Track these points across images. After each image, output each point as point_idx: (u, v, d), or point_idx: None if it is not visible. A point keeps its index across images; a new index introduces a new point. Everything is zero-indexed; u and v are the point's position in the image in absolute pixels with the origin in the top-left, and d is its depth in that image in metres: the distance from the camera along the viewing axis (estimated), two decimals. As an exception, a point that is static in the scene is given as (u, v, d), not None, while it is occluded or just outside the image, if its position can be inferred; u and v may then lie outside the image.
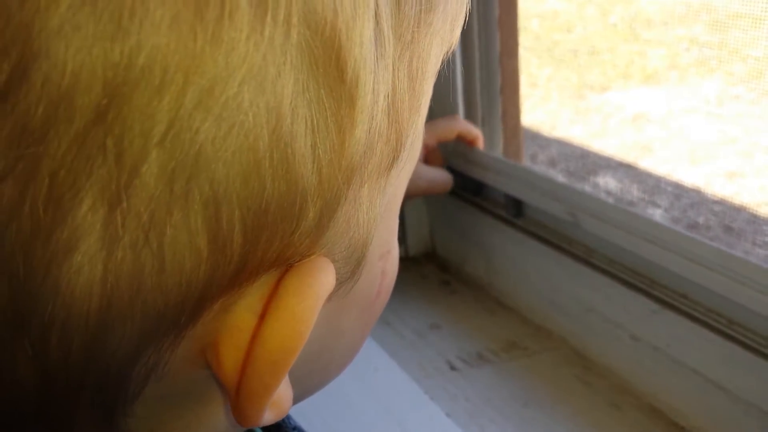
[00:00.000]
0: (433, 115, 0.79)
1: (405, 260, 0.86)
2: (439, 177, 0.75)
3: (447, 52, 0.23)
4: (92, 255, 0.16)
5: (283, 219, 0.18)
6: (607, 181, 0.97)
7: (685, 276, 0.57)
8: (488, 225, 0.76)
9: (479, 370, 0.65)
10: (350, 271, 0.22)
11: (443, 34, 0.21)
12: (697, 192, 0.91)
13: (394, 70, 0.19)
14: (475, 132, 0.75)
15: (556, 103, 1.27)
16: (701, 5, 0.99)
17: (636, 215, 0.60)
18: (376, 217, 0.21)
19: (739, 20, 0.74)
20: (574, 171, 1.01)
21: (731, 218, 0.85)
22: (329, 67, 0.17)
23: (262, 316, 0.19)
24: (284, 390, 0.21)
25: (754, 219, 0.82)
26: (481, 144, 0.76)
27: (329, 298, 0.21)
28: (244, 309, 0.19)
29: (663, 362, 0.60)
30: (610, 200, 0.64)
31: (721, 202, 0.88)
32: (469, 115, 0.78)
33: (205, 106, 0.15)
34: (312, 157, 0.17)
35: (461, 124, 0.75)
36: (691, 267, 0.56)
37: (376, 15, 0.18)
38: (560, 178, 0.88)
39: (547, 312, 0.71)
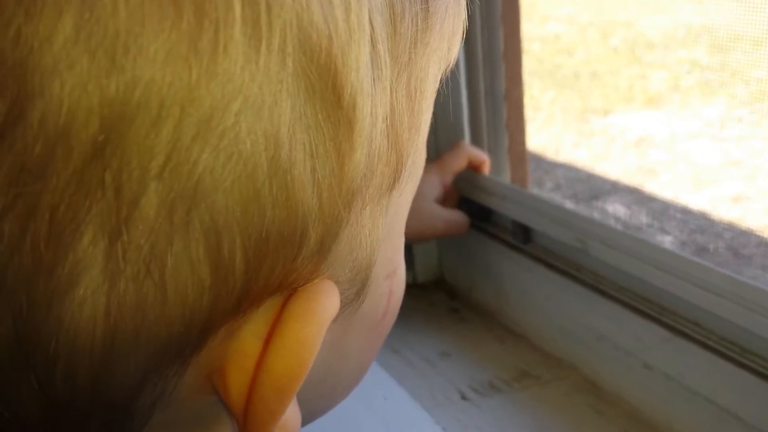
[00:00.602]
0: (439, 143, 0.79)
1: (413, 287, 0.86)
2: (456, 218, 0.76)
3: (445, 71, 0.23)
4: (95, 288, 0.16)
5: (284, 245, 0.18)
6: (613, 205, 0.97)
7: (696, 304, 0.56)
8: (496, 251, 0.76)
9: (491, 400, 0.65)
10: (355, 292, 0.22)
11: (441, 53, 0.21)
12: (703, 216, 0.90)
13: (391, 91, 0.19)
14: (482, 156, 0.75)
15: (560, 126, 1.27)
16: (702, 28, 0.99)
17: (645, 242, 0.60)
18: (380, 238, 0.21)
19: (740, 42, 0.75)
20: (578, 195, 1.01)
21: (739, 242, 0.84)
22: (326, 92, 0.17)
23: (267, 342, 0.19)
24: (292, 413, 0.21)
25: (761, 242, 0.82)
26: (487, 168, 0.76)
27: (334, 320, 0.21)
28: (250, 334, 0.19)
29: (676, 391, 0.59)
30: (617, 225, 0.64)
31: (728, 226, 0.88)
32: (476, 143, 0.78)
33: (202, 137, 0.15)
34: (312, 182, 0.17)
35: (468, 150, 0.75)
36: (702, 294, 0.56)
37: (372, 38, 0.18)
38: (565, 201, 0.87)
39: (557, 340, 0.71)
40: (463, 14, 0.23)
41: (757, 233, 0.88)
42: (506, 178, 0.75)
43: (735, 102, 1.07)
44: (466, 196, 0.78)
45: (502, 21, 0.73)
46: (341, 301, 0.21)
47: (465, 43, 0.74)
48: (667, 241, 0.82)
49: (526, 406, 0.64)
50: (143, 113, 0.15)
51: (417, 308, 0.82)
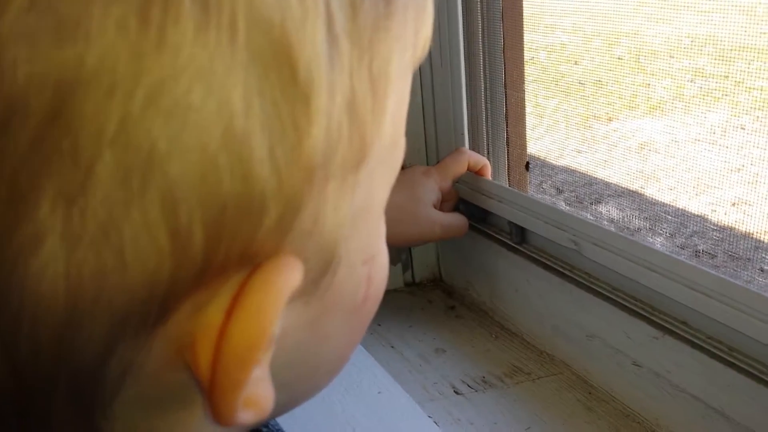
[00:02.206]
0: (440, 146, 0.81)
1: (411, 285, 0.88)
2: (454, 222, 0.76)
3: (417, 57, 0.24)
4: (54, 253, 0.16)
5: (243, 217, 0.18)
6: (613, 209, 0.98)
7: (685, 303, 0.58)
8: (493, 251, 0.77)
9: (483, 395, 0.66)
10: (321, 269, 0.22)
11: (405, 41, 0.22)
12: (702, 219, 0.91)
13: (352, 72, 0.20)
14: (483, 161, 0.76)
15: (563, 132, 1.28)
16: (706, 38, 1.01)
17: (637, 243, 0.61)
18: (346, 217, 0.22)
19: (744, 52, 0.76)
20: (580, 198, 1.02)
21: (736, 246, 0.85)
22: (281, 68, 0.18)
23: (229, 314, 0.19)
24: (263, 390, 0.21)
25: (759, 246, 0.83)
26: (489, 173, 0.77)
27: (308, 301, 0.22)
28: (216, 308, 0.19)
29: (665, 388, 0.60)
30: (615, 228, 0.65)
31: (726, 230, 0.89)
32: (475, 145, 0.80)
33: (154, 106, 0.16)
34: (269, 155, 0.18)
35: (469, 156, 0.76)
36: (691, 294, 0.57)
37: (328, 18, 0.19)
38: (566, 205, 0.89)
39: (549, 337, 0.72)
40: (429, 6, 0.23)
41: (755, 237, 0.89)
42: (504, 180, 0.77)
43: (737, 110, 1.08)
44: (464, 198, 0.79)
45: (504, 25, 0.74)
46: (307, 277, 0.21)
47: (466, 46, 0.76)
48: (665, 243, 0.83)
49: (518, 401, 0.65)
50: (95, 82, 0.16)
51: (415, 306, 0.83)
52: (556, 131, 1.36)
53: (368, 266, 0.25)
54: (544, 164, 1.20)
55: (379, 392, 0.64)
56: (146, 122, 0.16)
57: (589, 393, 0.66)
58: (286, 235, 0.20)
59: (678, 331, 0.59)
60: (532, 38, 0.86)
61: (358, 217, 0.23)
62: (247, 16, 0.17)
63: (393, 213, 0.78)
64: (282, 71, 0.18)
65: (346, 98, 0.20)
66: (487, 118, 0.78)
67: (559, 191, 1.08)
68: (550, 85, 1.32)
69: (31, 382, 0.18)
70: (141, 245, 0.17)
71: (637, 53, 1.24)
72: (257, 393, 0.21)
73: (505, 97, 0.76)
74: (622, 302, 0.64)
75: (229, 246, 0.18)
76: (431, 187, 0.75)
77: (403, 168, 0.26)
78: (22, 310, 0.17)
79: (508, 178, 0.77)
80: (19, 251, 0.16)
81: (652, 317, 0.61)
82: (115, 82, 0.16)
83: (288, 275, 0.20)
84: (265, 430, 0.39)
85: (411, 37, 0.22)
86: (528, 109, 0.84)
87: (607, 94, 1.29)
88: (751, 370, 0.53)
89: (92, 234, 0.17)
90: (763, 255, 0.82)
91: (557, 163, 1.23)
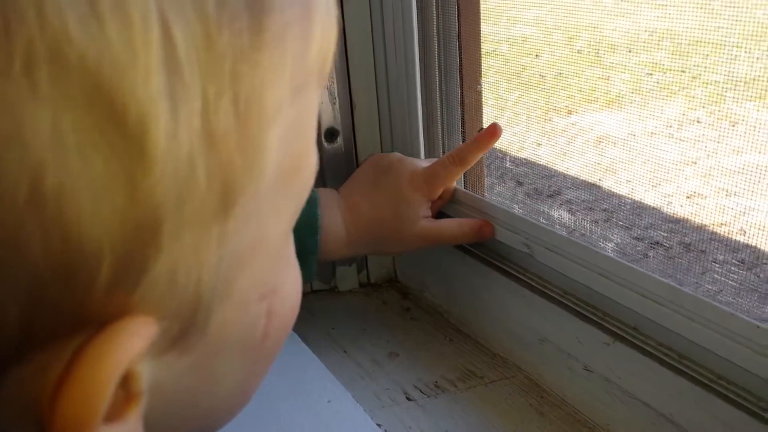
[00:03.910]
0: (395, 146, 0.79)
1: (366, 286, 0.87)
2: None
3: (314, 77, 0.22)
4: None
5: (66, 283, 0.16)
6: (570, 201, 0.98)
7: (636, 310, 0.57)
8: (448, 253, 0.77)
9: (435, 400, 0.66)
10: (187, 322, 0.20)
11: (282, 72, 0.20)
12: (657, 211, 0.92)
13: (207, 110, 0.18)
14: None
15: (524, 125, 1.28)
16: (664, 32, 1.01)
17: (589, 249, 0.61)
18: (214, 265, 0.20)
19: (700, 47, 0.76)
20: (539, 190, 1.02)
21: (691, 238, 0.86)
22: (103, 115, 0.16)
23: (59, 382, 0.18)
24: None
25: (713, 237, 0.84)
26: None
27: (182, 351, 0.21)
28: (56, 374, 0.18)
29: (615, 394, 0.60)
30: (571, 221, 0.65)
31: (681, 222, 0.89)
32: (431, 150, 0.79)
33: None
34: (93, 214, 0.16)
35: (462, 173, 0.72)
36: (642, 301, 0.57)
37: (168, 54, 0.16)
38: (525, 197, 0.88)
39: (503, 341, 0.71)
40: (319, 34, 0.21)
41: (710, 229, 0.90)
42: (460, 182, 0.76)
43: (693, 104, 1.09)
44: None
45: (460, 22, 0.73)
46: (168, 332, 0.19)
47: (421, 46, 0.75)
48: (622, 235, 0.83)
49: (470, 406, 0.65)
50: None
51: (369, 307, 0.82)
52: (516, 124, 1.36)
53: (267, 300, 0.24)
54: (504, 156, 1.20)
55: (329, 401, 0.63)
56: None
57: (542, 397, 0.65)
58: (132, 294, 0.18)
59: (629, 337, 0.59)
60: (493, 30, 0.85)
61: (245, 257, 0.21)
62: (47, 50, 0.15)
63: (378, 231, 0.75)
64: (104, 115, 0.16)
65: (198, 140, 0.17)
66: (442, 118, 0.77)
67: (519, 183, 1.08)
68: (511, 78, 1.32)
69: None
70: None
71: (597, 47, 1.23)
72: None
73: (461, 98, 0.75)
74: (574, 307, 0.63)
75: (54, 314, 0.17)
76: (417, 202, 0.69)
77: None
78: None
79: (464, 181, 0.76)
80: None
81: (604, 323, 0.61)
82: None
83: (127, 341, 0.18)
84: None
85: (294, 66, 0.20)
86: (489, 102, 0.83)
87: (567, 87, 1.29)
88: (700, 378, 0.54)
89: None
90: (717, 246, 0.82)
91: (518, 156, 1.23)
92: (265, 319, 0.24)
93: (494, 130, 0.69)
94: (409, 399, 0.66)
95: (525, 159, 1.23)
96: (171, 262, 0.18)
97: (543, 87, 1.32)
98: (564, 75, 1.28)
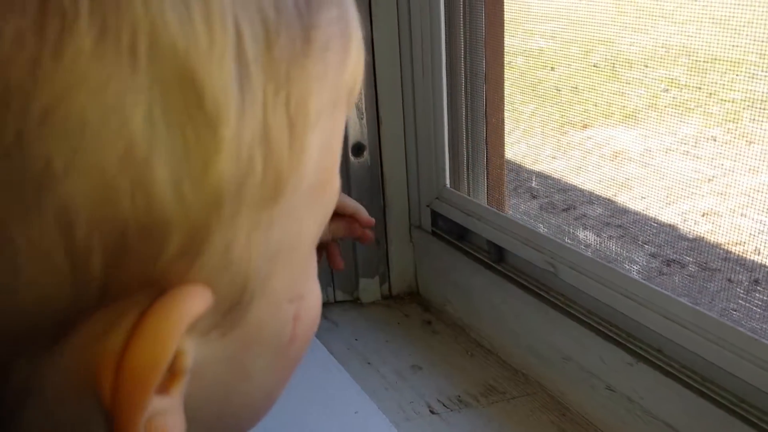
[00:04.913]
0: (420, 162, 0.81)
1: (388, 298, 0.88)
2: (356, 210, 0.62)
3: (344, 101, 0.23)
4: None
5: (145, 243, 0.18)
6: (585, 215, 0.99)
7: (661, 332, 0.58)
8: (470, 268, 0.78)
9: (459, 415, 0.67)
10: (233, 301, 0.22)
11: (325, 80, 0.22)
12: (673, 229, 0.93)
13: (266, 104, 0.20)
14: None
15: (539, 138, 1.29)
16: (681, 48, 1.01)
17: (614, 270, 0.62)
18: (260, 251, 0.21)
19: (717, 64, 0.77)
20: (554, 204, 1.03)
21: (706, 256, 0.87)
22: (187, 94, 0.18)
23: (126, 341, 0.19)
24: (172, 422, 0.21)
25: (728, 257, 0.85)
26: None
27: (224, 333, 0.22)
28: (119, 333, 0.19)
29: (637, 413, 0.61)
30: (588, 241, 0.66)
31: (697, 240, 0.90)
32: (455, 164, 0.80)
33: (50, 120, 0.16)
34: (172, 181, 0.18)
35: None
36: (666, 324, 0.58)
37: (239, 49, 0.19)
38: (541, 211, 0.89)
39: (525, 357, 0.73)
40: (355, 55, 0.24)
41: (725, 248, 0.91)
42: (483, 199, 0.77)
43: (709, 122, 1.10)
44: (443, 214, 0.79)
45: (486, 51, 0.74)
46: (218, 307, 0.21)
47: (449, 65, 0.76)
48: (637, 251, 0.84)
49: (493, 422, 0.66)
50: None
51: (391, 320, 0.83)
52: (531, 136, 1.37)
53: (295, 305, 0.25)
54: (519, 169, 1.21)
55: (356, 412, 0.64)
56: (42, 138, 0.16)
57: (563, 415, 0.66)
58: (193, 263, 0.20)
59: (652, 358, 0.60)
60: (510, 42, 0.86)
61: (280, 255, 0.23)
62: (149, 40, 0.17)
63: None
64: (187, 98, 0.18)
65: (259, 130, 0.19)
66: (467, 135, 0.78)
67: (534, 196, 1.09)
68: (526, 90, 1.33)
69: None
70: (36, 263, 0.17)
71: (613, 61, 1.24)
72: (165, 424, 0.21)
73: (486, 114, 0.76)
74: (597, 327, 0.64)
75: (130, 270, 0.18)
76: None
77: None
78: None
79: (487, 197, 0.77)
80: None
81: (627, 344, 0.62)
82: (10, 93, 0.16)
83: (189, 303, 0.20)
84: None
85: (333, 79, 0.22)
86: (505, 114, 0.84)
87: (583, 101, 1.29)
88: (722, 401, 0.55)
89: None
90: (731, 266, 0.83)
91: (532, 168, 1.24)
92: (293, 323, 0.25)
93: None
94: (432, 412, 0.67)
95: (540, 172, 1.24)
96: (228, 238, 0.20)
97: (558, 100, 1.33)
98: (579, 89, 1.29)
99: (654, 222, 0.97)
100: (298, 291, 0.25)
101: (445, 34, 0.75)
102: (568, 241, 0.69)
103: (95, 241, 0.17)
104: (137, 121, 0.17)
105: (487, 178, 0.78)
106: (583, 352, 0.66)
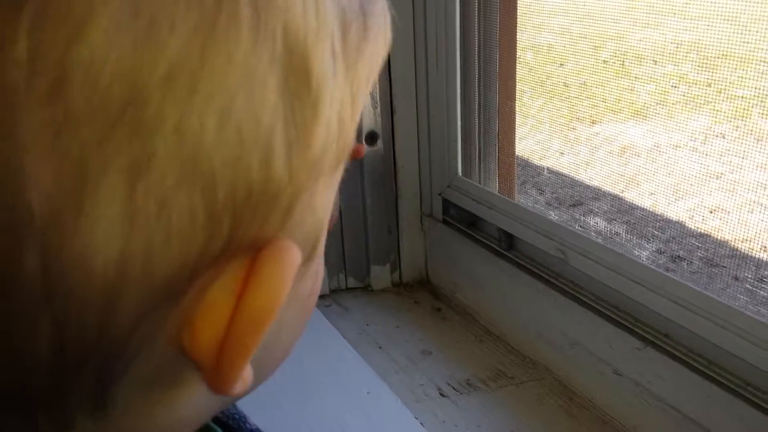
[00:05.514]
0: (432, 152, 0.82)
1: (398, 286, 0.89)
2: None
3: (375, 77, 0.26)
4: (114, 229, 0.18)
5: (262, 204, 0.21)
6: (593, 211, 1.00)
7: (668, 317, 0.59)
8: (480, 256, 0.79)
9: (468, 397, 0.68)
10: (307, 255, 0.24)
11: (371, 64, 0.25)
12: (680, 225, 0.94)
13: (343, 84, 0.22)
14: None
15: (547, 133, 1.30)
16: (691, 44, 1.02)
17: (623, 256, 0.63)
18: (328, 208, 0.25)
19: (727, 60, 0.77)
20: (561, 199, 1.04)
21: (713, 252, 0.87)
22: (300, 78, 0.20)
23: (240, 295, 0.21)
24: (248, 368, 0.23)
25: (734, 254, 0.85)
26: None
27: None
28: (219, 289, 0.21)
29: (644, 398, 0.62)
30: (597, 235, 0.67)
31: (704, 237, 0.91)
32: (467, 154, 0.81)
33: (209, 106, 0.19)
34: (285, 151, 0.21)
35: None
36: (674, 308, 0.59)
37: (332, 36, 0.22)
38: (548, 207, 0.90)
39: (533, 343, 0.74)
40: (389, 41, 0.27)
41: (731, 245, 0.91)
42: (494, 187, 0.78)
43: (718, 118, 1.11)
44: (453, 202, 0.80)
45: (500, 44, 0.75)
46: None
47: (463, 56, 0.77)
48: (641, 245, 0.85)
49: (501, 405, 0.67)
50: (166, 81, 0.18)
51: (402, 306, 0.84)
52: (539, 131, 1.38)
53: (317, 261, 0.27)
54: (527, 164, 1.22)
55: (368, 392, 0.66)
56: (202, 117, 0.19)
57: (571, 399, 0.67)
58: (287, 221, 0.22)
59: (660, 343, 0.61)
60: (519, 38, 0.87)
61: (326, 213, 0.25)
62: (283, 28, 0.20)
63: None
64: (300, 81, 0.20)
65: (338, 106, 0.22)
66: (479, 124, 0.79)
67: (541, 192, 1.10)
68: (535, 86, 1.34)
69: (69, 360, 0.19)
70: (184, 223, 0.19)
71: (623, 57, 1.25)
72: (246, 370, 0.22)
73: (498, 107, 0.77)
74: (606, 312, 0.65)
75: (248, 228, 0.21)
76: None
77: None
78: (75, 286, 0.18)
79: (498, 186, 0.78)
80: (80, 226, 0.18)
81: (635, 328, 0.63)
82: (181, 82, 0.18)
83: (293, 253, 0.22)
84: (230, 420, 0.40)
85: (374, 64, 0.25)
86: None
87: (591, 96, 1.30)
88: (729, 384, 0.56)
89: (148, 212, 0.18)
90: (738, 263, 0.84)
91: (540, 164, 1.25)
92: (313, 278, 0.28)
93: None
94: (442, 395, 0.68)
95: (547, 167, 1.25)
96: (309, 200, 0.23)
97: (567, 96, 1.34)
98: (588, 84, 1.30)
99: (661, 218, 0.98)
100: (321, 249, 0.27)
101: (460, 26, 0.77)
102: (579, 228, 0.70)
103: (229, 203, 0.20)
104: (270, 101, 0.20)
105: (498, 167, 0.79)
106: (591, 337, 0.67)
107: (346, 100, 0.23)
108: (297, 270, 0.22)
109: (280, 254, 0.22)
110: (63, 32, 0.17)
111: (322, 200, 0.24)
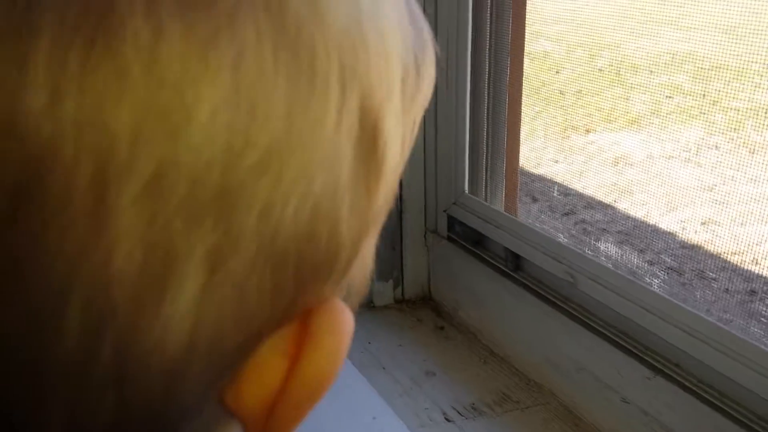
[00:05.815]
0: (438, 166, 0.81)
1: (401, 302, 0.88)
2: None
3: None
4: (189, 311, 0.18)
5: (324, 269, 0.20)
6: (585, 221, 1.00)
7: (679, 346, 0.59)
8: (485, 274, 0.78)
9: (473, 423, 0.67)
10: (356, 304, 0.24)
11: (421, 110, 0.24)
12: (672, 237, 0.94)
13: (404, 135, 0.22)
14: None
15: (541, 140, 1.30)
16: (686, 55, 1.02)
17: (634, 283, 0.63)
18: (372, 253, 0.24)
19: (721, 72, 0.77)
20: (553, 208, 1.03)
21: (704, 265, 0.88)
22: (370, 144, 0.20)
23: (296, 354, 0.20)
24: None
25: (725, 266, 0.86)
26: None
27: None
28: (268, 349, 0.20)
29: (652, 427, 0.62)
30: (609, 264, 0.66)
31: (695, 248, 0.91)
32: (474, 171, 0.80)
33: (294, 191, 0.18)
34: (349, 217, 0.20)
35: None
36: (685, 338, 0.58)
37: (396, 96, 0.21)
38: (541, 216, 0.90)
39: (539, 366, 0.73)
40: (433, 83, 0.26)
41: (723, 258, 0.91)
42: (501, 206, 0.77)
43: (712, 129, 1.11)
44: (459, 219, 0.80)
45: (510, 68, 0.74)
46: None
47: (473, 75, 0.76)
48: (636, 257, 0.85)
49: (507, 430, 0.66)
50: (258, 167, 0.17)
51: (404, 324, 0.84)
52: (534, 139, 1.37)
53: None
54: (521, 172, 1.21)
55: (374, 418, 0.65)
56: (285, 201, 0.18)
57: (577, 425, 0.67)
58: (342, 281, 0.21)
59: (670, 372, 0.61)
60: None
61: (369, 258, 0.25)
62: (360, 97, 0.19)
63: None
64: (369, 147, 0.20)
65: (398, 158, 0.22)
66: (487, 142, 0.79)
67: (534, 200, 1.09)
68: (530, 93, 1.33)
69: (130, 420, 0.19)
70: (252, 300, 0.19)
71: (618, 66, 1.24)
72: None
73: (507, 125, 0.76)
74: (615, 339, 0.65)
75: (310, 295, 0.20)
76: None
77: None
78: (146, 369, 0.18)
79: (504, 205, 0.77)
80: (160, 315, 0.17)
81: (645, 356, 0.63)
82: (273, 166, 0.18)
83: (348, 318, 0.21)
84: None
85: (424, 108, 0.25)
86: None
87: (586, 105, 1.30)
88: (740, 417, 0.55)
89: (224, 295, 0.18)
90: (729, 275, 0.84)
91: (534, 172, 1.24)
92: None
93: None
94: (447, 420, 0.68)
95: (540, 175, 1.24)
96: (360, 258, 0.22)
97: (562, 104, 1.33)
98: (584, 93, 1.29)
99: (653, 229, 0.98)
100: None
101: (471, 45, 0.76)
102: (589, 252, 0.69)
103: (295, 276, 0.19)
104: (344, 174, 0.19)
105: (505, 186, 0.79)
106: (600, 363, 0.66)
107: (399, 150, 0.22)
108: (353, 329, 0.21)
109: (336, 319, 0.21)
110: (167, 124, 0.16)
111: (370, 248, 0.23)
